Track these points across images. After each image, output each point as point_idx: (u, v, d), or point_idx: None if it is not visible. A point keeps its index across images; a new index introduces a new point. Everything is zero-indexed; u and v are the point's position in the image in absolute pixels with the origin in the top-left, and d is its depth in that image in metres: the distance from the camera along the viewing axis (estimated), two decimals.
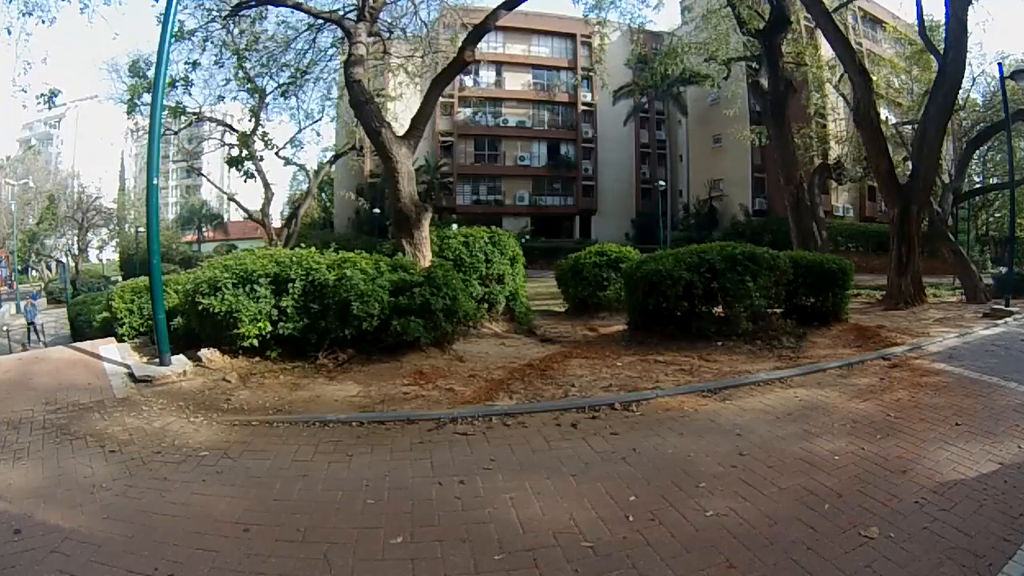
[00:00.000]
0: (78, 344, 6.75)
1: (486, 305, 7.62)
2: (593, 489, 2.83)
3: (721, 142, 34.52)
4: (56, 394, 4.54)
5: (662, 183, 33.58)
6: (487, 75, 38.59)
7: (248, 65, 13.50)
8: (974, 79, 17.85)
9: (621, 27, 17.86)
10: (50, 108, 12.17)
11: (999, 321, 7.91)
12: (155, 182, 5.45)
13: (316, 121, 19.32)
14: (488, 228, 8.19)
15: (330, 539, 2.42)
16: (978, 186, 23.02)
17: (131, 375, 5.00)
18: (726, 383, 4.61)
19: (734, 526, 2.47)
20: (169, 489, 2.91)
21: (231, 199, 30.33)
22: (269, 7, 10.64)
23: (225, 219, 51.57)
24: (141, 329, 6.64)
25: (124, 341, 6.47)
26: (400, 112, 16.33)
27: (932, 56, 12.90)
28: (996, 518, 2.55)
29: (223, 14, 10.47)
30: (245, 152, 19.09)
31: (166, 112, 14.54)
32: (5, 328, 18.97)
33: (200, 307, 5.18)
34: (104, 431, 3.74)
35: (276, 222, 29.83)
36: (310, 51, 12.51)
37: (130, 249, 39.05)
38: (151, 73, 13.41)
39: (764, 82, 13.59)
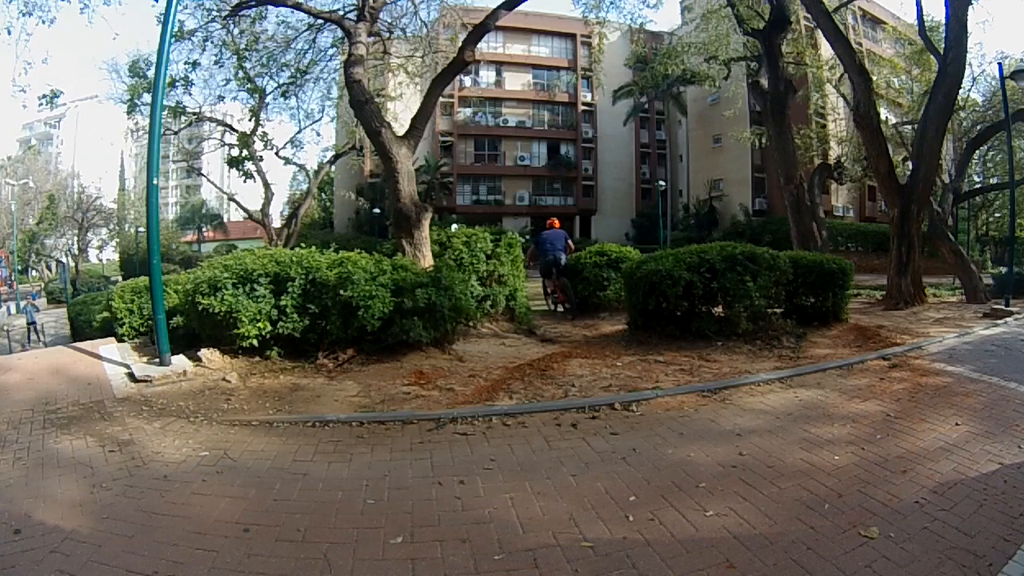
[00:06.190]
0: (78, 344, 6.75)
1: (488, 304, 7.61)
2: (593, 489, 2.82)
3: (721, 142, 34.54)
4: (56, 394, 4.54)
5: (662, 183, 33.57)
6: (487, 75, 38.59)
7: (248, 65, 13.52)
8: (974, 79, 17.87)
9: (621, 27, 17.86)
10: (52, 108, 12.20)
11: (999, 321, 7.90)
12: (155, 182, 5.45)
13: (316, 121, 19.42)
14: (490, 228, 8.20)
15: (330, 539, 2.42)
16: (978, 186, 23.02)
17: (131, 375, 5.00)
18: (726, 383, 4.60)
19: (734, 526, 2.47)
20: (169, 489, 2.91)
21: (231, 199, 30.36)
22: (269, 7, 10.65)
23: (225, 219, 51.61)
24: (141, 329, 6.63)
25: (124, 341, 6.47)
26: (400, 112, 16.35)
27: (932, 56, 12.89)
28: (996, 518, 2.55)
29: (223, 14, 10.47)
30: (245, 152, 19.12)
31: (166, 112, 14.58)
32: (5, 328, 18.97)
33: (200, 307, 5.18)
34: (104, 431, 3.74)
35: (276, 222, 29.82)
36: (310, 51, 12.55)
37: (130, 249, 39.07)
38: (151, 73, 13.43)
39: (764, 82, 13.56)
